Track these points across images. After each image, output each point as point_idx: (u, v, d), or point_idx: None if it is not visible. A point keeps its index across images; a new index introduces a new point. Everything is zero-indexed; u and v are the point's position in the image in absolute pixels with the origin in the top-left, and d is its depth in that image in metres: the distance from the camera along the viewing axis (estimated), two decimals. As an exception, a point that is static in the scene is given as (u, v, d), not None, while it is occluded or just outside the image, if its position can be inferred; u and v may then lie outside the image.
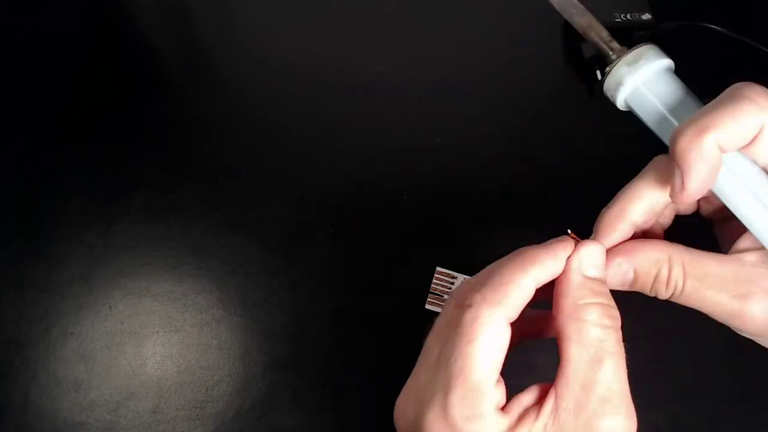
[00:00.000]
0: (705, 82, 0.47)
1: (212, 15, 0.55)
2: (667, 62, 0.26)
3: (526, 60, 0.49)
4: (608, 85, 0.26)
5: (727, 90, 0.23)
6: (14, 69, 0.51)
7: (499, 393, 0.23)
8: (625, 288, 0.26)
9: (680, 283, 0.25)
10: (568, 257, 0.25)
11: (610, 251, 0.26)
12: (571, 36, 0.50)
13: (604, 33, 0.27)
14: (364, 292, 0.41)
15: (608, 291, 0.25)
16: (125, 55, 0.52)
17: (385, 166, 0.45)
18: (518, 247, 0.27)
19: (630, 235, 0.26)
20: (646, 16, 0.47)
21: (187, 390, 0.39)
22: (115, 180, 0.45)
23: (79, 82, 0.50)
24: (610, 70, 0.26)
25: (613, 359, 0.23)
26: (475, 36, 0.51)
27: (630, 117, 0.49)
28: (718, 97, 0.23)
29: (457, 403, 0.22)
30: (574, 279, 0.24)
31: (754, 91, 0.22)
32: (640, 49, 0.25)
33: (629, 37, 0.48)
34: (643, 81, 0.26)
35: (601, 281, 0.25)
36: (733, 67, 0.48)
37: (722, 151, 0.22)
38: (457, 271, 0.41)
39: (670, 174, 0.23)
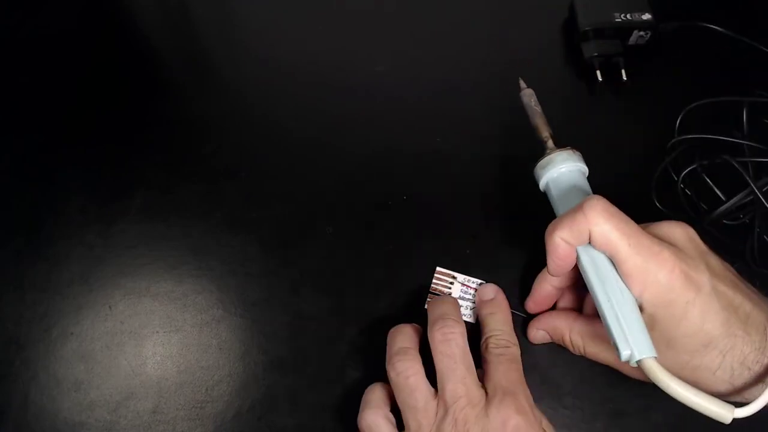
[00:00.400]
0: (705, 81, 0.47)
1: (212, 15, 0.55)
2: (573, 165, 0.35)
3: (526, 60, 0.49)
4: (535, 175, 0.36)
5: (582, 201, 0.31)
6: (14, 69, 0.51)
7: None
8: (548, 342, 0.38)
9: (581, 347, 0.36)
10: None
11: (537, 319, 0.38)
12: (571, 36, 0.50)
13: (546, 133, 0.37)
14: (364, 292, 0.41)
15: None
16: (125, 55, 0.52)
17: (385, 166, 0.45)
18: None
19: (554, 296, 0.38)
20: (646, 16, 0.47)
21: (187, 390, 0.39)
22: (115, 180, 0.45)
23: (79, 82, 0.50)
24: (533, 167, 0.36)
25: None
26: (475, 36, 0.51)
27: (630, 117, 0.49)
28: (575, 205, 0.31)
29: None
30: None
31: (588, 204, 0.30)
32: (553, 156, 0.35)
33: (629, 37, 0.48)
34: (546, 182, 0.36)
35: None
36: (734, 67, 0.48)
37: (569, 244, 0.31)
38: (457, 271, 0.41)
39: None
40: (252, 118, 0.48)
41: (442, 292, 0.40)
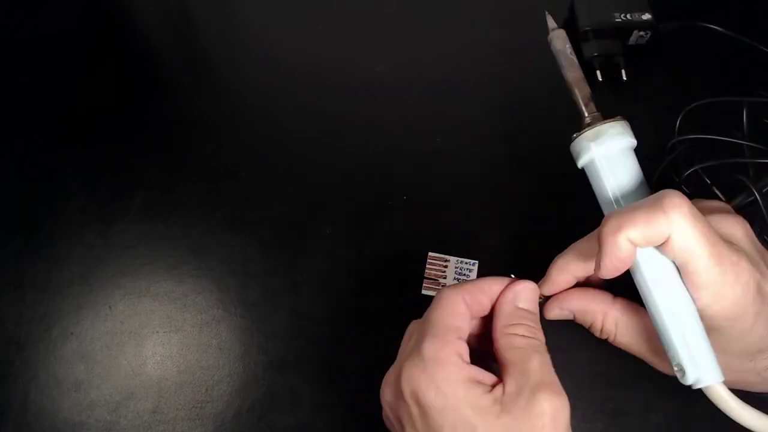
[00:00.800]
0: (706, 81, 0.47)
1: (212, 15, 0.55)
2: (625, 143, 0.29)
3: (526, 60, 0.49)
4: (572, 147, 0.30)
5: (654, 195, 0.27)
6: (14, 69, 0.51)
7: (463, 348, 0.28)
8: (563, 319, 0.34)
9: (612, 334, 0.32)
10: (502, 291, 0.31)
11: (565, 296, 0.33)
12: (571, 36, 0.50)
13: (587, 92, 0.30)
14: (364, 292, 0.41)
15: (537, 319, 0.31)
16: (125, 55, 0.52)
17: (385, 166, 0.45)
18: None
19: (571, 283, 0.33)
20: (646, 16, 0.47)
21: (187, 390, 0.39)
22: (115, 180, 0.45)
23: (79, 82, 0.50)
24: (576, 137, 0.29)
25: (539, 356, 0.28)
26: (475, 36, 0.51)
27: (630, 117, 0.48)
28: (645, 199, 0.27)
29: (428, 347, 0.27)
30: (506, 309, 0.31)
31: (671, 203, 0.26)
32: (604, 126, 0.28)
33: (629, 37, 0.48)
34: (595, 158, 0.29)
35: (530, 311, 0.31)
36: (734, 67, 0.48)
37: (634, 245, 0.26)
38: (449, 254, 0.41)
39: (590, 252, 0.30)
40: (252, 118, 0.48)
41: (437, 276, 0.40)
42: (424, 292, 0.40)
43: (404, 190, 0.44)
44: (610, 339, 0.33)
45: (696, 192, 0.41)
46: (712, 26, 0.47)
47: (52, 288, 0.42)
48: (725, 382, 0.27)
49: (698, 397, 0.35)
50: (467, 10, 0.53)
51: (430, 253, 0.41)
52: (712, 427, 0.37)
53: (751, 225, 0.38)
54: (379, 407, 0.33)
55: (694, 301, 0.27)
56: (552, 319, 0.34)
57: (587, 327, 0.34)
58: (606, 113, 0.47)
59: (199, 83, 0.51)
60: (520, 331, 0.30)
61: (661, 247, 0.27)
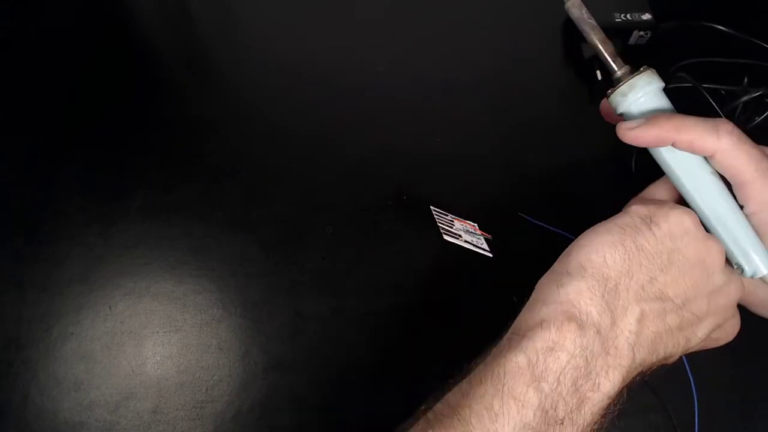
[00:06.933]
0: (705, 81, 0.47)
1: (212, 15, 0.55)
2: (654, 87, 0.31)
3: (526, 60, 0.49)
4: (611, 101, 0.32)
5: (713, 119, 0.30)
6: (14, 69, 0.51)
7: None
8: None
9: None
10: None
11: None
12: (571, 36, 0.50)
13: (611, 49, 0.32)
14: (363, 292, 0.41)
15: None
16: (125, 55, 0.52)
17: (385, 165, 0.45)
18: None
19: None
20: (646, 16, 0.47)
21: (187, 390, 0.39)
22: (115, 180, 0.45)
23: (79, 82, 0.50)
24: (611, 92, 0.32)
25: None
26: (475, 36, 0.51)
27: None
28: (704, 119, 0.30)
29: None
30: None
31: (724, 128, 0.29)
32: (634, 80, 0.31)
33: (629, 37, 0.48)
34: (632, 106, 0.32)
35: None
36: (734, 66, 0.48)
37: (670, 145, 0.30)
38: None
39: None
40: (252, 118, 0.48)
41: (449, 225, 0.40)
42: (446, 238, 0.39)
43: (404, 190, 0.44)
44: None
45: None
46: (712, 25, 0.47)
47: (52, 288, 0.42)
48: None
49: (699, 397, 0.35)
50: (467, 10, 0.53)
51: (432, 207, 0.40)
52: (712, 427, 0.37)
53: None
54: (379, 407, 0.33)
55: (744, 210, 0.30)
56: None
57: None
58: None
59: (199, 83, 0.51)
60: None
61: (713, 162, 0.30)
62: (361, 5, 0.53)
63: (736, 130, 0.30)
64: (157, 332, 0.40)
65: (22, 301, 0.41)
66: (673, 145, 0.30)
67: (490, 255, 0.38)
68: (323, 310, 0.41)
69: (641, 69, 0.32)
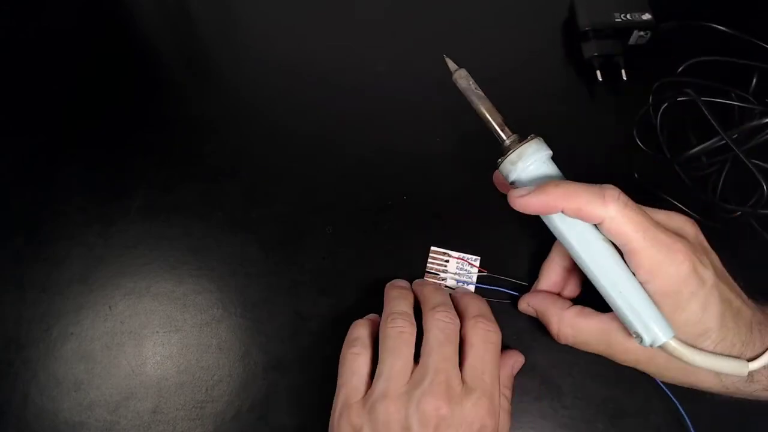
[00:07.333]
0: (706, 81, 0.47)
1: (212, 15, 0.55)
2: (542, 155, 0.32)
3: (526, 60, 0.49)
4: (501, 170, 0.33)
5: (600, 186, 0.31)
6: (14, 69, 0.51)
7: None
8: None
9: (570, 337, 0.35)
10: None
11: (532, 294, 0.38)
12: (571, 36, 0.50)
13: (499, 119, 0.33)
14: (364, 292, 0.41)
15: None
16: (125, 55, 0.52)
17: (386, 166, 0.45)
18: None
19: (560, 275, 0.38)
20: (646, 16, 0.47)
21: (187, 390, 0.39)
22: (115, 180, 0.45)
23: (79, 82, 0.50)
24: (501, 161, 0.33)
25: None
26: (476, 36, 0.51)
27: (630, 117, 0.49)
28: (592, 185, 0.31)
29: None
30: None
31: (611, 194, 0.30)
32: (522, 148, 0.32)
33: (629, 37, 0.48)
34: (521, 174, 0.32)
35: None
36: (734, 66, 0.48)
37: (558, 213, 0.31)
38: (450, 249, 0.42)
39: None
40: (252, 118, 0.48)
41: (438, 271, 0.41)
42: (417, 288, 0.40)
43: (404, 190, 0.44)
44: (569, 341, 0.36)
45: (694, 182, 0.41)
46: (712, 25, 0.47)
47: (52, 288, 0.42)
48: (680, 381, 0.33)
49: (698, 397, 0.35)
50: (467, 11, 0.53)
51: (432, 248, 0.41)
52: (712, 427, 0.37)
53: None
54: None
55: (637, 278, 0.31)
56: (522, 312, 0.39)
57: (547, 327, 0.37)
58: (606, 113, 0.47)
59: (199, 83, 0.51)
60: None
61: (602, 230, 0.31)
62: (361, 5, 0.53)
63: (623, 197, 0.30)
64: (157, 332, 0.40)
65: (22, 301, 0.41)
66: (562, 212, 0.31)
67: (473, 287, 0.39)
68: (323, 310, 0.41)
69: (529, 137, 0.32)
